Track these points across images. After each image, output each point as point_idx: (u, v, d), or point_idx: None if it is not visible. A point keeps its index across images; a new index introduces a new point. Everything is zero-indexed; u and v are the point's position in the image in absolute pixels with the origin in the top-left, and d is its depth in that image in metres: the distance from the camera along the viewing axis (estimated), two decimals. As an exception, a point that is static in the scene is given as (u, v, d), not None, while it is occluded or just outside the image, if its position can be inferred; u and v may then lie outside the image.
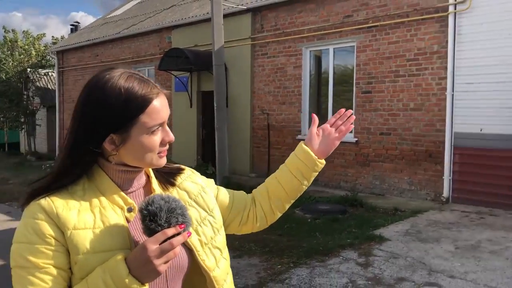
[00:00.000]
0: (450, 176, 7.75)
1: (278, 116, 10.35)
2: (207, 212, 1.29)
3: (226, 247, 1.32)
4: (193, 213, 1.24)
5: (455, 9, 7.58)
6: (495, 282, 4.25)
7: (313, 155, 1.42)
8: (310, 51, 9.94)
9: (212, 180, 1.44)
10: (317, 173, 1.45)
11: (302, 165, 1.42)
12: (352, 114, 1.47)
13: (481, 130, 7.38)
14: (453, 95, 7.67)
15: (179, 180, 1.30)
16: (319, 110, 10.02)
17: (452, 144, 7.71)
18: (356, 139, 8.94)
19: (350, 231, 6.13)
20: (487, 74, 7.25)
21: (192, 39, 11.81)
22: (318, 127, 1.47)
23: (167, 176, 1.28)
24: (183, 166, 1.35)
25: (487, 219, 6.58)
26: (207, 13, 10.77)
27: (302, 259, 5.08)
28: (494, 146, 7.12)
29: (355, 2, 8.89)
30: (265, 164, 10.36)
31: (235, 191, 1.49)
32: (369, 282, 4.39)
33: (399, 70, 8.38)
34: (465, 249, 5.20)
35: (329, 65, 9.68)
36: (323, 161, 1.44)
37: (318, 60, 10.10)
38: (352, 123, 1.47)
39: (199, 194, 1.30)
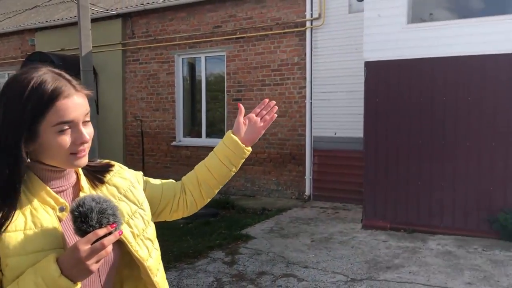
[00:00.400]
0: (310, 176, 8.53)
1: (152, 123, 10.35)
2: (137, 205, 1.32)
3: (156, 239, 1.39)
4: (123, 207, 1.28)
5: (311, 24, 8.37)
6: (341, 268, 4.86)
7: (240, 143, 1.51)
8: (183, 58, 10.13)
9: (140, 173, 1.47)
10: (244, 159, 1.55)
11: (230, 153, 1.51)
12: (274, 105, 1.58)
13: (335, 134, 8.25)
14: (311, 102, 8.46)
15: (108, 176, 1.32)
16: (194, 116, 10.25)
17: (312, 147, 8.50)
18: (228, 144, 9.32)
19: (220, 233, 6.42)
20: (339, 84, 8.13)
21: (58, 43, 11.23)
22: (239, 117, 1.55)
23: (96, 173, 1.29)
24: (112, 162, 1.37)
25: (341, 213, 7.39)
26: (74, 16, 10.35)
27: (172, 263, 5.23)
28: (346, 148, 8.01)
29: (223, 14, 9.30)
30: (139, 171, 10.24)
31: (164, 181, 1.54)
32: (233, 279, 4.70)
33: (265, 80, 8.97)
34: (319, 242, 5.81)
35: (202, 73, 9.97)
36: (250, 149, 1.54)
37: (192, 67, 10.33)
38: (275, 113, 1.58)
39: (129, 189, 1.33)
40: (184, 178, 1.57)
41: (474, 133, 5.67)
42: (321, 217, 7.19)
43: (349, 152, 7.96)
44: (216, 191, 1.57)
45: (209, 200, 1.58)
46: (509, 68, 5.46)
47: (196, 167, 1.56)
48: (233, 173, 1.55)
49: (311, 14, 8.34)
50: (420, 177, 5.98)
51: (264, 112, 1.57)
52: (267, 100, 1.59)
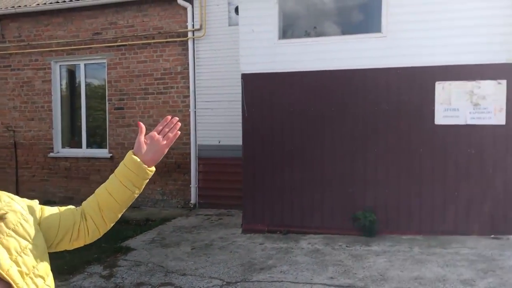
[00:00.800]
0: (196, 184, 8.65)
1: (27, 133, 9.69)
2: (28, 240, 1.23)
3: (51, 272, 1.30)
4: (12, 243, 1.19)
5: (193, 35, 8.53)
6: (218, 273, 5.02)
7: (142, 164, 1.44)
8: (60, 65, 9.65)
9: (35, 202, 1.37)
10: (148, 180, 1.48)
11: (132, 175, 1.44)
12: (178, 121, 1.51)
13: (219, 142, 8.48)
14: (195, 111, 8.61)
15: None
16: (73, 126, 9.80)
17: (197, 155, 8.63)
18: (111, 154, 9.06)
19: (99, 246, 6.22)
20: (222, 94, 8.39)
21: None
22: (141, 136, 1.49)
23: None
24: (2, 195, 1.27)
25: (224, 220, 7.61)
26: None
27: (44, 282, 4.97)
28: (229, 155, 8.27)
29: (103, 20, 9.07)
30: (13, 186, 9.51)
31: (62, 208, 1.45)
32: (109, 292, 4.63)
33: (148, 88, 8.91)
34: (200, 249, 5.94)
35: (81, 80, 9.59)
36: (153, 169, 1.47)
37: (71, 74, 9.87)
38: (178, 130, 1.51)
39: (19, 222, 1.24)
40: (84, 203, 1.48)
41: (337, 140, 6.23)
42: (204, 224, 7.33)
43: (232, 160, 8.21)
44: (120, 215, 1.49)
45: (112, 224, 1.50)
46: (366, 82, 6.11)
47: (96, 191, 1.48)
48: (136, 195, 1.48)
49: (193, 25, 8.50)
50: (293, 181, 6.41)
51: (167, 130, 1.50)
52: (169, 117, 1.53)
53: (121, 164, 1.46)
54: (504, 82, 5.65)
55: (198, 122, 8.64)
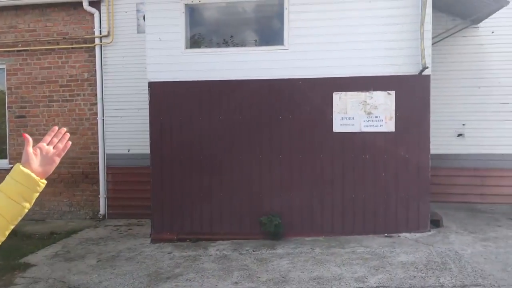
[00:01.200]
0: (105, 194, 8.42)
1: None
2: None
3: None
4: None
5: (101, 41, 8.32)
6: (123, 285, 4.94)
7: (34, 176, 1.37)
8: (-47, 70, 8.93)
9: None
10: (39, 194, 1.40)
11: (22, 188, 1.36)
12: (66, 132, 1.48)
13: (129, 151, 8.33)
14: (103, 120, 8.39)
15: None
16: (-32, 135, 9.10)
17: (105, 164, 8.41)
18: (11, 165, 8.53)
19: (-5, 264, 5.87)
20: (130, 102, 8.26)
21: None
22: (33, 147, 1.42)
23: None
24: None
25: (134, 230, 7.48)
26: None
27: None
28: (139, 164, 8.16)
29: (1, 23, 8.56)
30: None
31: None
32: (3, 313, 4.39)
33: (53, 95, 8.54)
34: (105, 261, 5.80)
35: (-23, 86, 8.95)
36: (45, 181, 1.41)
37: (-35, 80, 9.16)
38: (68, 140, 1.48)
39: None
40: None
41: (245, 147, 6.41)
42: (113, 235, 7.16)
43: (142, 169, 8.10)
44: (8, 233, 1.39)
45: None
46: (272, 92, 6.36)
47: None
48: (27, 210, 1.40)
49: (100, 31, 8.29)
50: (202, 189, 6.48)
51: (56, 140, 1.47)
52: (56, 127, 1.50)
53: (8, 177, 1.39)
54: (393, 92, 6.17)
55: (106, 131, 8.42)
